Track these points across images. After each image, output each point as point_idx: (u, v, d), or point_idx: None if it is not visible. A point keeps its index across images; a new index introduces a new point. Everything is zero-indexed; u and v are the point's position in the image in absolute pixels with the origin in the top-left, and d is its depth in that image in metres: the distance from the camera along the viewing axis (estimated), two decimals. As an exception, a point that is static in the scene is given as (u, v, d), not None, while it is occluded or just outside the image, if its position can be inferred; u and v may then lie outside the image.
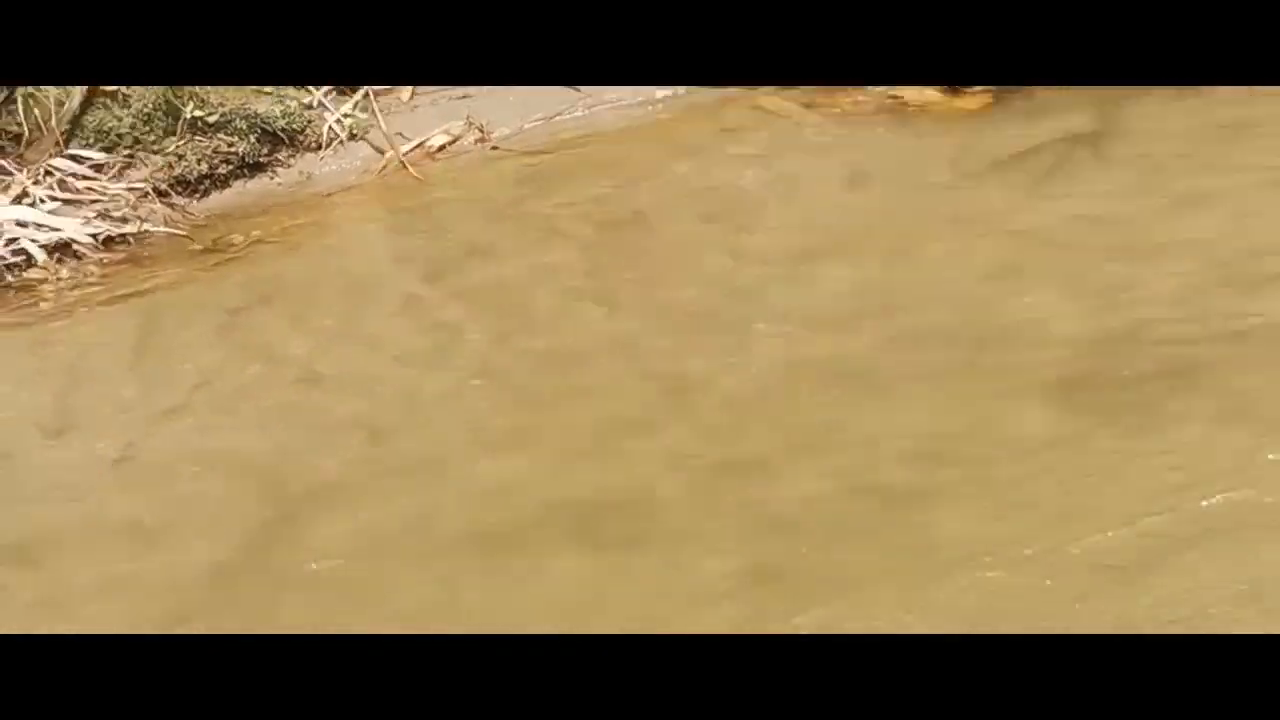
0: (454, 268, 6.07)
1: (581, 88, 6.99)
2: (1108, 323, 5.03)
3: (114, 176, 6.80)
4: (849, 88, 6.75)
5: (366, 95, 6.98)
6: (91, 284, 6.36)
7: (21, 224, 6.51)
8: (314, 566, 4.56)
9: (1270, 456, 4.35)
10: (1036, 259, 5.36)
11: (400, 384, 5.36)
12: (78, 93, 6.82)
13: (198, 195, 6.81)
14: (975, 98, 6.54)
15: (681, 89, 7.00)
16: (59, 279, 6.40)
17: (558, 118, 6.97)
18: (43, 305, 6.30)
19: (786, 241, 5.82)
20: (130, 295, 6.25)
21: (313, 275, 6.25)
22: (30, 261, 6.44)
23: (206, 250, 6.47)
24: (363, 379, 5.44)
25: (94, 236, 6.52)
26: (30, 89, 6.82)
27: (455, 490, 4.78)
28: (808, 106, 6.76)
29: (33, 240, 6.46)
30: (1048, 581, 4.12)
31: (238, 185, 6.86)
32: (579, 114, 6.97)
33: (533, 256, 6.05)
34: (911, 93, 6.63)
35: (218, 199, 6.81)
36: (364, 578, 4.50)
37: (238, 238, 6.52)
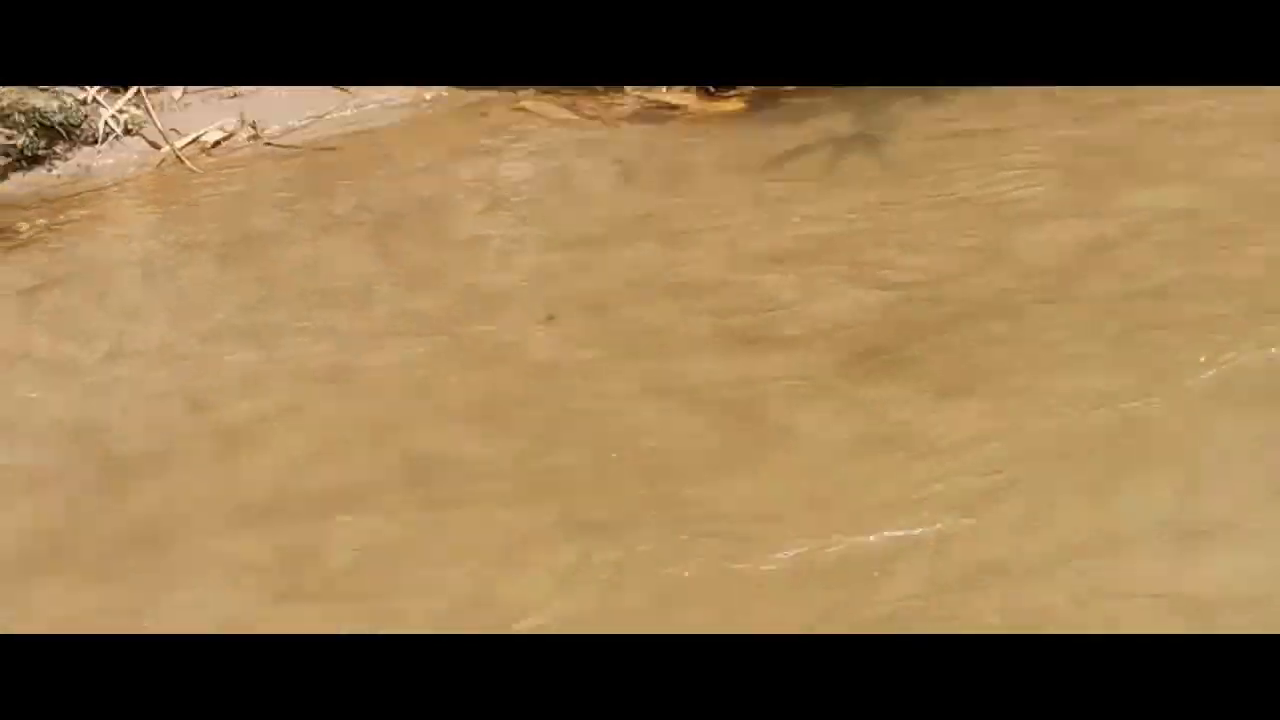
0: (245, 253, 6.34)
1: (350, 88, 7.29)
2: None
3: (-110, 165, 6.92)
4: (607, 91, 7.15)
5: (139, 92, 7.19)
6: (-123, 270, 6.48)
7: None
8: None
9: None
10: (813, 246, 5.82)
11: (208, 359, 5.60)
12: None
13: (-21, 185, 6.97)
14: (730, 102, 6.99)
15: (445, 91, 7.34)
16: None
17: (328, 115, 7.26)
18: None
19: (567, 230, 6.19)
20: (-86, 278, 6.40)
21: (105, 259, 6.46)
22: None
23: (-5, 237, 6.64)
24: (172, 355, 5.68)
25: (-128, 223, 6.63)
26: None
27: (271, 458, 5.04)
28: (569, 109, 7.14)
29: None
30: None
31: (15, 177, 7.04)
32: (348, 113, 7.28)
33: (321, 242, 6.34)
34: (668, 96, 7.06)
35: (-2, 189, 6.98)
36: (181, 536, 4.74)
37: (23, 225, 6.69)
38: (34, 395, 5.50)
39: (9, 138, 6.97)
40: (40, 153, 7.03)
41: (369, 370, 5.41)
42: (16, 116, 6.96)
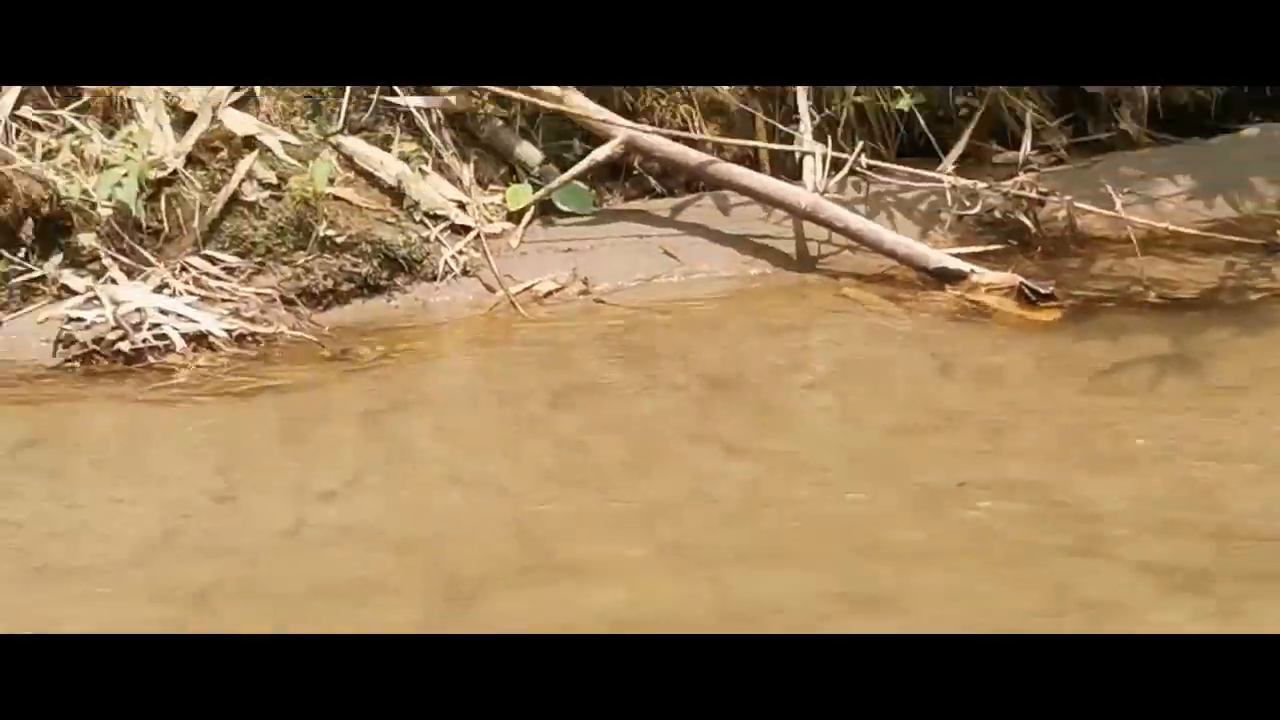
0: (573, 399, 6.61)
1: (679, 257, 7.58)
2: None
3: (245, 280, 7.31)
4: (925, 287, 7.37)
5: (478, 236, 7.53)
6: (228, 375, 6.84)
7: (164, 312, 7.00)
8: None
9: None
10: (1134, 451, 5.97)
11: (543, 496, 5.85)
12: (220, 199, 7.34)
13: (320, 308, 7.32)
14: (1048, 311, 7.18)
15: (769, 268, 7.61)
16: (196, 366, 6.88)
17: (655, 279, 7.55)
18: (183, 388, 6.77)
19: (890, 412, 6.40)
20: (267, 389, 6.74)
21: (440, 391, 6.79)
22: (169, 347, 6.91)
23: (335, 358, 6.97)
24: (508, 487, 5.94)
25: (228, 332, 7.01)
26: (175, 190, 7.33)
27: (608, 596, 5.25)
28: (888, 299, 7.38)
29: (174, 328, 6.93)
30: None
31: (357, 303, 7.39)
32: (675, 278, 7.57)
33: (645, 398, 6.59)
34: (986, 297, 7.27)
35: (338, 313, 7.33)
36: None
37: (365, 350, 7.03)
38: (378, 510, 5.76)
39: (354, 265, 7.33)
40: (382, 283, 7.37)
41: (690, 521, 5.61)
42: (364, 246, 7.32)
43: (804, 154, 7.97)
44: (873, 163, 7.86)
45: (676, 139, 7.87)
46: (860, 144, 7.90)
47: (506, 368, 6.95)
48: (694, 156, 7.77)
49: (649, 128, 7.81)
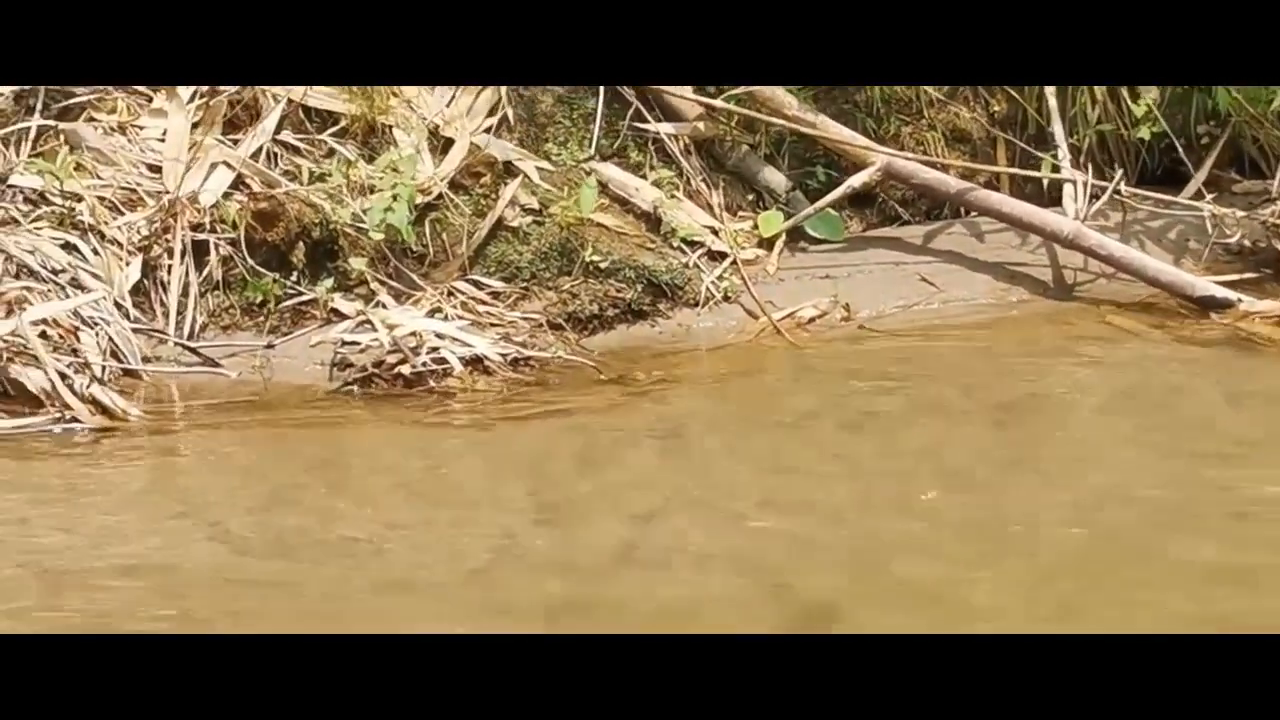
0: (861, 424, 6.58)
1: (936, 283, 7.55)
2: None
3: (510, 305, 7.30)
4: (1195, 317, 7.32)
5: (734, 262, 7.51)
6: (508, 399, 6.82)
7: (439, 335, 6.98)
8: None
9: None
10: None
11: (868, 519, 5.80)
12: (486, 224, 7.33)
13: (587, 332, 7.32)
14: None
15: (1026, 294, 7.57)
16: (475, 390, 6.86)
17: (915, 306, 7.52)
18: (465, 411, 6.76)
19: (1192, 440, 6.34)
20: (552, 413, 6.72)
21: (729, 414, 6.76)
22: (447, 371, 6.89)
23: (611, 382, 6.95)
24: (825, 510, 5.89)
25: (503, 355, 6.99)
26: (439, 215, 7.34)
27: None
28: (1156, 327, 7.33)
29: (451, 352, 6.92)
30: None
31: (622, 328, 7.38)
32: (935, 306, 7.53)
33: (936, 423, 6.55)
34: (1260, 326, 7.21)
35: (604, 338, 7.33)
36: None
37: (640, 375, 7.01)
38: (701, 532, 5.72)
39: (619, 290, 7.32)
40: (645, 308, 7.36)
41: (1037, 547, 5.56)
42: (627, 271, 7.31)
43: (1056, 180, 7.91)
44: (1132, 189, 7.80)
45: (931, 164, 7.82)
46: (1120, 171, 7.86)
47: (786, 392, 6.93)
48: (953, 183, 7.75)
49: (908, 154, 7.78)
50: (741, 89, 7.63)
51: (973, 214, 7.85)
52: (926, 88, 7.97)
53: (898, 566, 5.50)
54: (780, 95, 7.69)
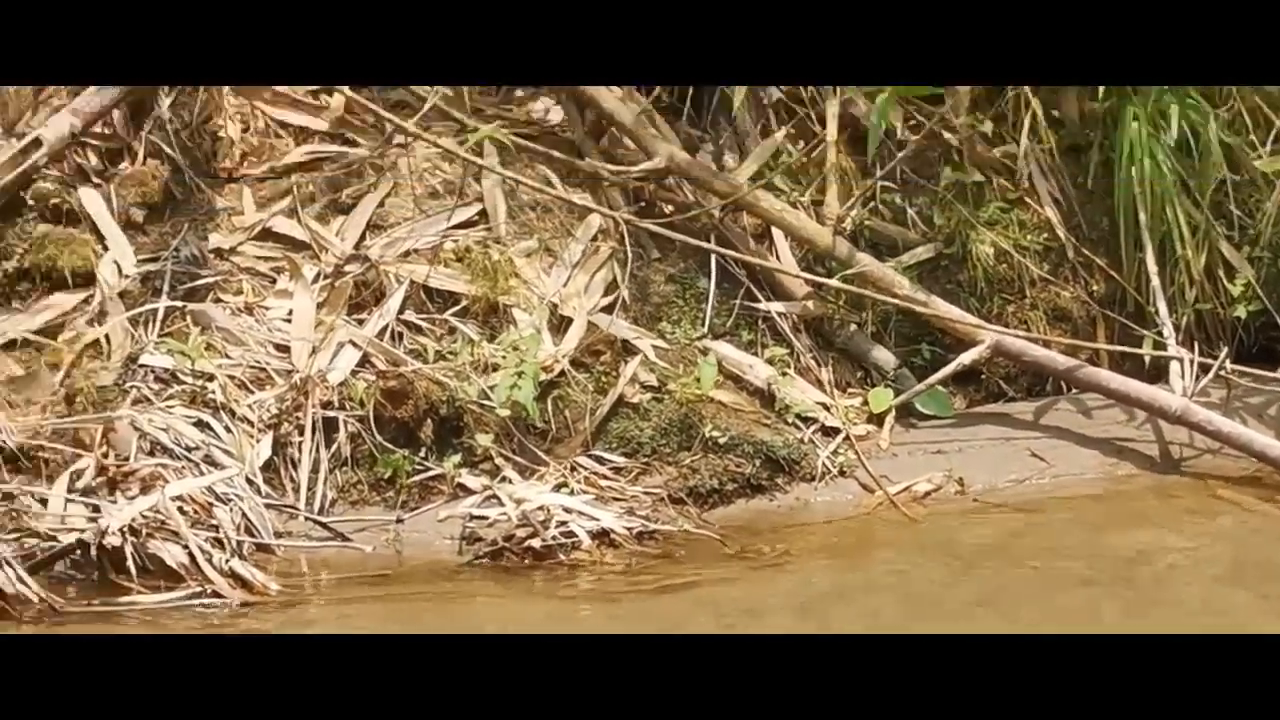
0: (997, 600, 6.67)
1: (1045, 459, 7.69)
2: None
3: (631, 480, 7.44)
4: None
5: (847, 438, 7.65)
6: (636, 573, 6.94)
7: (567, 510, 7.12)
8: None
9: None
10: None
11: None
12: (608, 401, 7.50)
13: (707, 506, 7.45)
14: None
15: (1134, 469, 7.71)
16: (603, 563, 6.99)
17: (1025, 481, 7.66)
18: (596, 584, 6.88)
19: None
20: (680, 586, 6.84)
21: (861, 588, 6.86)
22: (576, 545, 7.02)
23: (737, 555, 7.08)
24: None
25: (629, 529, 7.12)
26: (560, 392, 7.50)
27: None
28: (1266, 500, 7.46)
29: (580, 526, 7.05)
30: None
31: (740, 502, 7.51)
32: (1044, 480, 7.67)
33: (1060, 598, 6.66)
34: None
35: (723, 512, 7.46)
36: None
37: (765, 548, 7.14)
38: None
39: (738, 465, 7.46)
40: (763, 483, 7.50)
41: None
42: (745, 447, 7.46)
43: (1155, 357, 8.08)
44: (1233, 366, 7.96)
45: (1035, 341, 7.99)
46: (1225, 349, 8.02)
47: (911, 566, 7.04)
48: (1060, 360, 7.91)
49: (1017, 332, 7.94)
50: (853, 270, 7.76)
51: (1077, 390, 7.97)
52: (1030, 266, 8.10)
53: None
54: (890, 275, 7.87)
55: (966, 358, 7.85)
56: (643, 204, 8.00)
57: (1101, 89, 8.12)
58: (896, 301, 7.86)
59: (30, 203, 7.58)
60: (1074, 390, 8.08)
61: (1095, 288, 8.37)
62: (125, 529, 6.72)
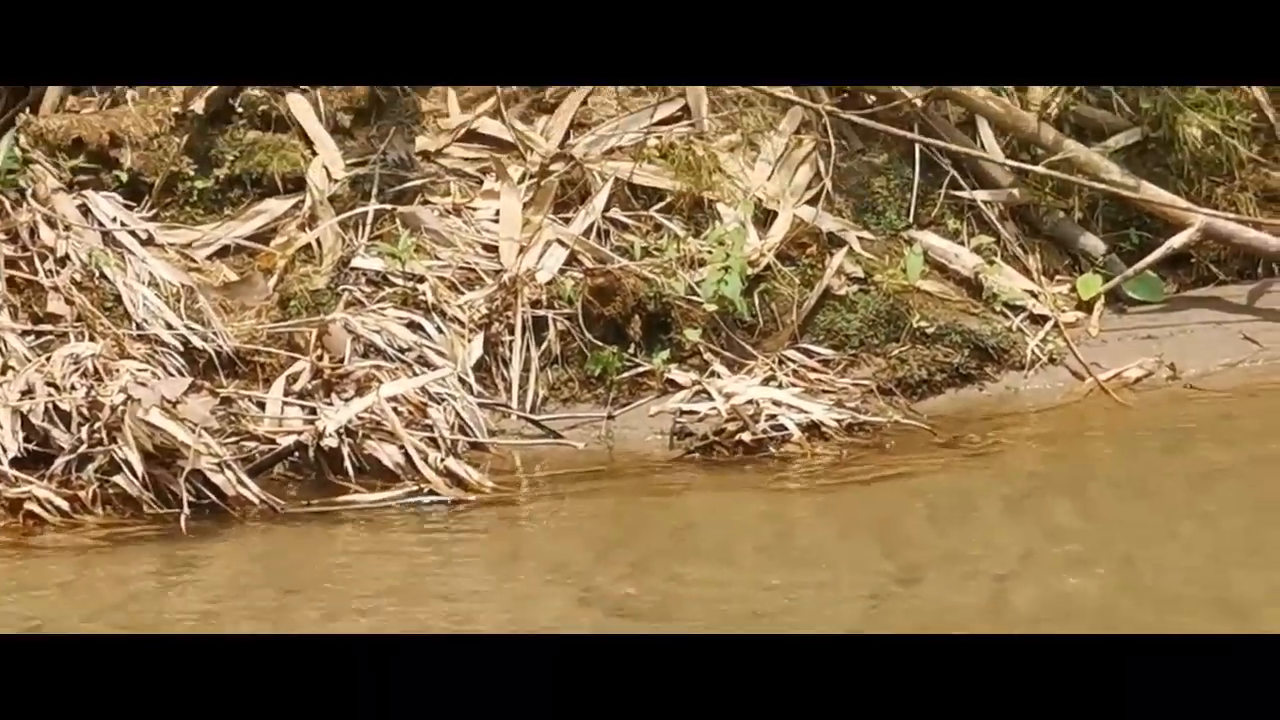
0: (1212, 485, 6.60)
1: (1260, 342, 7.59)
2: None
3: (840, 372, 7.45)
4: None
5: (1056, 325, 7.60)
6: (846, 464, 6.96)
7: (776, 403, 7.14)
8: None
9: None
10: None
11: (1220, 579, 5.83)
12: (815, 294, 7.49)
13: (915, 398, 7.44)
14: None
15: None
16: (814, 455, 7.01)
17: (1239, 365, 7.57)
18: (807, 476, 6.91)
19: None
20: (892, 477, 6.85)
21: (1070, 475, 6.84)
22: (786, 438, 7.05)
23: (948, 445, 7.07)
24: (1177, 564, 5.94)
25: (838, 421, 7.13)
26: (767, 286, 7.51)
27: None
28: None
29: (790, 419, 7.08)
30: None
31: (950, 392, 7.49)
32: (1259, 364, 7.58)
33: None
34: None
35: (932, 403, 7.45)
36: None
37: (975, 437, 7.13)
38: (1077, 590, 5.79)
39: (946, 355, 7.44)
40: (972, 372, 7.47)
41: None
42: (953, 336, 7.43)
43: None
44: None
45: (1246, 223, 7.87)
46: None
47: (1124, 452, 7.01)
48: (1272, 242, 7.81)
49: (1228, 214, 7.83)
50: (1059, 156, 7.68)
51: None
52: (1238, 147, 7.97)
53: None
54: (1097, 159, 7.77)
55: (1176, 241, 7.76)
56: (845, 95, 7.91)
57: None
58: (1103, 187, 7.76)
59: (239, 110, 7.67)
60: (1289, 271, 7.94)
61: (1307, 167, 8.22)
62: (342, 430, 6.84)
